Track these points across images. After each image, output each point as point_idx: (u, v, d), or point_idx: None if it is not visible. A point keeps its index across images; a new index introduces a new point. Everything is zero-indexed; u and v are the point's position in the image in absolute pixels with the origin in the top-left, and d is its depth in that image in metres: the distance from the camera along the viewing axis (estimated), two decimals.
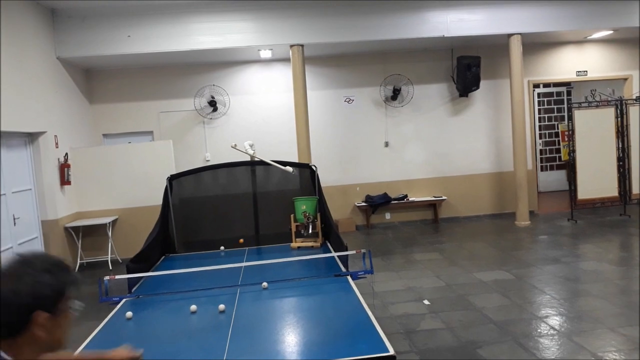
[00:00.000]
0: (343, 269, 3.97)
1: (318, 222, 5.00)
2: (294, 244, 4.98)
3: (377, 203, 10.08)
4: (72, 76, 8.86)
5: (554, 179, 12.72)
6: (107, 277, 3.75)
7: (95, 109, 9.70)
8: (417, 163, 10.30)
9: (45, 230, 7.77)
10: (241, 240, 5.13)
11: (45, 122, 7.70)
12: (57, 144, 8.02)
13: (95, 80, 9.66)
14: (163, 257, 5.04)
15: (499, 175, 10.34)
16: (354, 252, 4.02)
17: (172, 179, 5.41)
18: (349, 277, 3.73)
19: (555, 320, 4.85)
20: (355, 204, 10.18)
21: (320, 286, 3.68)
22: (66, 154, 8.18)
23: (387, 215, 10.35)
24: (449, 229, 9.60)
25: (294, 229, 5.05)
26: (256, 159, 5.44)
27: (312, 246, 4.92)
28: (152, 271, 4.43)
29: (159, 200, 5.38)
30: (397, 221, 10.35)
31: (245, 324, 2.99)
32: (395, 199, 10.12)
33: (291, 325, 2.95)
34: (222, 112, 9.76)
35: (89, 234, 8.49)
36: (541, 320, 4.87)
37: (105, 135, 9.83)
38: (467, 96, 10.03)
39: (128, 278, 3.85)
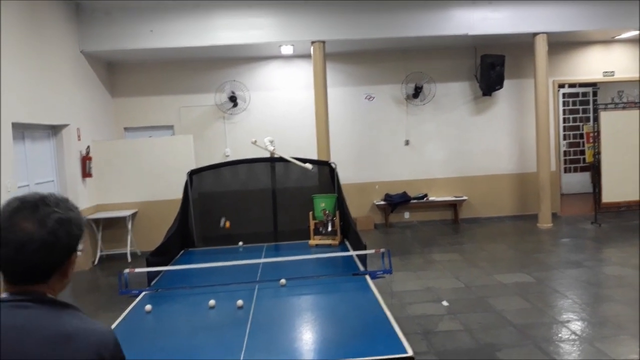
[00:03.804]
0: (361, 268, 3.94)
1: (337, 220, 4.97)
2: (312, 242, 4.96)
3: (396, 202, 10.01)
4: (95, 70, 8.96)
5: (578, 181, 12.49)
6: (126, 270, 3.77)
7: (117, 103, 9.80)
8: (438, 162, 10.20)
9: None
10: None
11: (69, 114, 7.79)
12: (79, 136, 8.11)
13: (117, 73, 9.75)
14: (182, 251, 5.06)
15: (521, 176, 10.18)
16: (372, 251, 3.99)
17: (192, 173, 5.42)
18: (367, 277, 3.69)
19: (576, 325, 4.75)
20: (374, 202, 10.12)
21: (338, 284, 3.66)
22: (88, 146, 8.28)
23: (406, 215, 10.27)
24: (469, 230, 9.49)
25: (312, 227, 5.02)
26: (276, 156, 5.43)
27: (331, 244, 4.88)
28: (172, 265, 4.44)
29: (178, 194, 5.40)
30: (416, 220, 10.26)
31: (264, 320, 2.98)
32: (414, 198, 10.04)
33: (309, 322, 2.93)
34: (243, 108, 9.78)
35: (109, 227, 8.58)
36: (562, 324, 4.78)
37: (126, 129, 9.92)
38: (490, 95, 9.90)
39: (148, 271, 3.86)
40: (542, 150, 9.03)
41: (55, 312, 1.26)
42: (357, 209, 10.00)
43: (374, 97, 10.02)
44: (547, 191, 9.07)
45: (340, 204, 5.12)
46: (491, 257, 7.39)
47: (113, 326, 3.03)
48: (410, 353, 2.39)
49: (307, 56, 9.22)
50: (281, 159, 5.37)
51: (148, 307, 3.26)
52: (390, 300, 5.71)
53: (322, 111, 8.72)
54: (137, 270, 3.85)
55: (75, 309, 1.31)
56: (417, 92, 9.82)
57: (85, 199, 8.24)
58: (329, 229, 4.88)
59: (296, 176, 5.52)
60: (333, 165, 5.44)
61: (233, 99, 9.65)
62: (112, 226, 8.59)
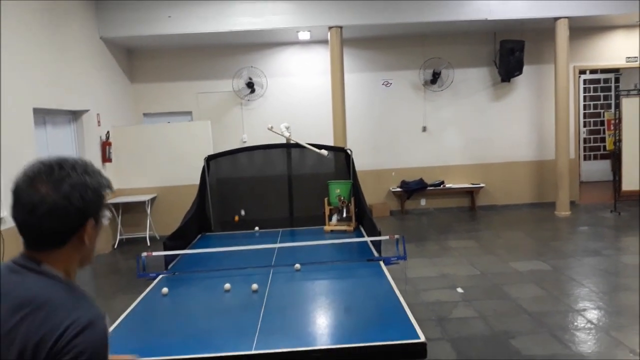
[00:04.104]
0: (376, 254, 3.96)
1: (352, 206, 4.99)
2: (327, 227, 4.99)
3: (413, 189, 9.99)
4: (114, 56, 9.04)
5: (598, 168, 12.31)
6: (144, 254, 3.85)
7: (136, 89, 9.88)
8: (455, 149, 10.13)
9: None
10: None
11: (89, 100, 7.90)
12: (99, 122, 8.22)
13: (136, 59, 9.82)
14: (200, 235, 5.13)
15: (540, 163, 10.07)
16: (387, 237, 4.00)
17: (209, 159, 5.48)
18: (381, 263, 3.71)
19: (592, 314, 4.72)
20: (390, 189, 10.11)
21: (352, 270, 3.69)
22: (108, 132, 8.39)
23: (423, 202, 10.24)
24: (486, 217, 9.44)
25: (327, 212, 5.05)
26: (292, 142, 5.45)
27: (346, 230, 4.91)
28: (189, 249, 4.51)
29: (196, 180, 5.47)
30: (433, 207, 10.23)
31: (278, 304, 3.02)
32: (431, 185, 10.00)
33: (322, 307, 2.97)
34: (260, 94, 9.80)
35: (129, 211, 8.71)
36: (578, 313, 4.76)
37: (145, 115, 10.02)
38: (509, 81, 9.77)
39: (165, 255, 3.93)
40: (561, 138, 8.91)
41: (41, 282, 1.21)
42: (373, 195, 10.01)
43: (391, 83, 9.96)
44: (566, 179, 8.97)
45: (356, 190, 5.13)
46: (507, 245, 7.35)
47: (131, 308, 3.11)
48: (422, 339, 2.41)
49: (324, 42, 9.18)
50: (297, 145, 5.39)
51: (164, 289, 3.33)
52: (404, 287, 5.73)
53: (339, 97, 8.70)
54: (155, 253, 3.93)
55: (74, 289, 1.24)
56: (435, 78, 9.74)
57: None
58: (344, 215, 4.90)
59: (312, 162, 5.54)
60: (349, 152, 5.44)
61: (250, 85, 9.67)
62: (132, 210, 8.72)
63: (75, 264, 1.31)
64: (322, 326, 2.69)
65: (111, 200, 8.40)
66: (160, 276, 3.73)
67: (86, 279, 6.54)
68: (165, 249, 3.96)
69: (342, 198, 4.89)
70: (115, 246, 8.48)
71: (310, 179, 5.52)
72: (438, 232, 8.45)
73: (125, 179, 8.80)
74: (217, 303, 3.13)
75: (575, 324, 4.53)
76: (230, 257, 4.10)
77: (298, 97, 9.88)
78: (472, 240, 7.74)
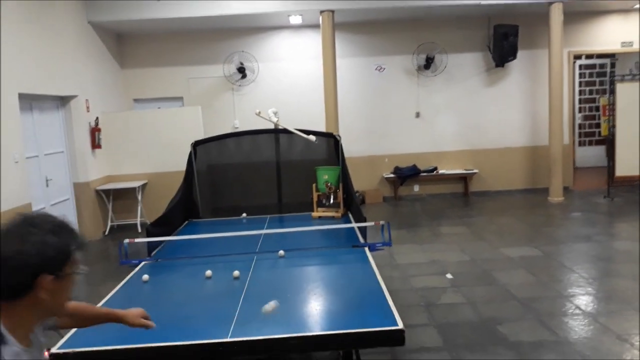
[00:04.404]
0: (362, 240, 3.92)
1: (340, 193, 4.93)
2: (315, 214, 4.94)
3: (406, 175, 9.94)
4: (103, 41, 8.90)
5: (593, 154, 12.27)
6: (127, 241, 3.80)
7: (126, 74, 9.76)
8: (449, 135, 10.06)
9: (77, 192, 7.95)
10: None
11: (77, 86, 7.79)
12: (88, 107, 8.12)
13: (126, 44, 9.69)
14: (186, 222, 5.08)
15: (533, 149, 10.01)
16: (372, 223, 3.95)
17: (196, 144, 5.41)
18: (366, 249, 3.67)
19: (581, 300, 4.70)
20: (384, 175, 10.06)
21: (337, 256, 3.65)
22: (97, 118, 8.29)
23: (416, 188, 10.20)
24: (479, 203, 9.41)
25: (315, 199, 5.00)
26: (280, 127, 5.38)
27: (333, 216, 4.86)
28: (174, 236, 4.46)
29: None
30: (426, 194, 10.19)
31: (258, 291, 2.98)
32: (424, 171, 9.95)
33: (303, 294, 2.93)
34: (251, 79, 9.69)
35: (120, 197, 8.65)
36: (567, 299, 4.73)
37: (136, 100, 9.91)
38: (503, 66, 9.67)
39: (148, 242, 3.88)
40: (555, 123, 8.84)
41: None
42: (366, 181, 9.96)
43: (384, 68, 9.86)
44: (559, 165, 8.92)
45: (345, 177, 5.07)
46: (499, 231, 7.32)
47: (110, 295, 3.07)
48: (400, 326, 2.37)
49: (316, 26, 9.06)
50: (285, 131, 5.32)
51: (145, 277, 3.29)
52: (392, 272, 5.71)
53: (331, 82, 8.61)
54: (137, 240, 3.88)
55: None
56: (428, 63, 9.63)
57: (95, 169, 8.30)
58: (332, 201, 4.85)
59: (301, 148, 5.48)
60: (338, 137, 5.37)
61: (242, 70, 9.55)
62: (123, 197, 8.65)
63: (34, 317, 1.37)
64: (301, 313, 2.65)
65: (102, 186, 8.35)
66: (143, 263, 3.69)
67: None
68: (149, 236, 3.91)
69: (329, 184, 4.83)
70: (107, 233, 8.44)
71: (299, 165, 5.46)
72: (430, 218, 8.41)
73: (116, 165, 8.73)
74: (197, 290, 3.09)
75: (564, 310, 4.50)
76: (215, 243, 4.05)
77: (290, 82, 9.78)
78: (464, 226, 7.71)
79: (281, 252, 3.66)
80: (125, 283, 3.28)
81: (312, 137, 5.13)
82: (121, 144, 8.66)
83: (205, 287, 3.14)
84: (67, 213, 7.72)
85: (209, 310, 2.74)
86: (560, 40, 8.65)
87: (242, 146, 5.53)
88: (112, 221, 8.61)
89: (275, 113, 5.43)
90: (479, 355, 3.77)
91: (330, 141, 5.44)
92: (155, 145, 8.69)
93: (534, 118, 9.95)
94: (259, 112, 5.45)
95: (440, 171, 10.01)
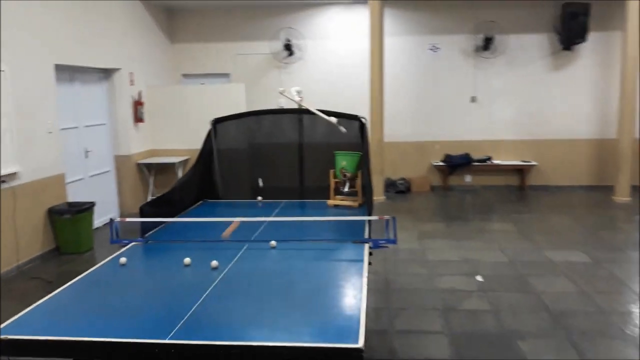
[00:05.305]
0: (366, 236, 3.55)
1: (358, 181, 4.56)
2: (331, 202, 4.61)
3: (457, 164, 9.36)
4: (152, 15, 8.89)
5: None
6: (117, 219, 3.64)
7: (176, 49, 9.74)
8: (507, 122, 9.35)
9: (118, 164, 8.03)
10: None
11: (121, 59, 7.81)
12: (132, 81, 8.14)
13: (177, 19, 9.65)
14: (200, 202, 4.91)
15: (600, 142, 9.12)
16: (376, 218, 3.57)
17: (216, 122, 5.20)
18: (366, 246, 3.31)
19: (626, 320, 4.11)
20: (433, 162, 9.52)
21: (331, 252, 3.31)
22: (139, 91, 8.30)
23: (468, 178, 9.59)
24: (534, 198, 8.70)
25: (332, 186, 4.66)
26: (303, 107, 5.06)
27: (350, 205, 4.51)
28: (181, 216, 4.30)
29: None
30: (479, 185, 9.56)
31: (228, 286, 2.72)
32: (477, 161, 9.32)
33: (272, 294, 2.63)
34: (298, 57, 9.39)
35: (161, 172, 8.68)
36: (608, 316, 4.15)
37: (185, 76, 9.89)
38: (570, 50, 8.80)
39: (141, 222, 3.71)
40: (626, 115, 7.95)
41: None
42: (413, 169, 9.49)
43: (439, 49, 9.24)
44: (628, 160, 8.04)
45: (365, 164, 4.69)
46: (549, 230, 6.68)
47: (81, 275, 2.91)
48: (359, 344, 2.03)
49: (366, 2, 8.59)
50: (307, 111, 4.99)
51: (122, 259, 3.10)
52: (418, 269, 5.30)
53: (377, 61, 8.16)
54: (128, 220, 3.72)
55: None
56: (487, 43, 8.93)
57: (138, 143, 8.35)
58: (347, 189, 4.49)
59: (325, 130, 5.12)
60: (363, 121, 4.98)
61: (288, 48, 9.27)
62: (164, 171, 8.68)
63: None
64: (259, 318, 2.35)
65: (144, 160, 8.40)
66: (132, 244, 3.53)
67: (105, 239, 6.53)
68: (142, 216, 3.73)
69: (344, 170, 4.48)
70: None
71: (323, 148, 5.12)
72: (476, 212, 7.85)
73: (158, 140, 8.76)
74: (166, 279, 2.87)
75: (601, 329, 3.94)
76: (215, 227, 3.83)
77: (337, 61, 9.39)
78: (511, 223, 7.11)
79: (273, 242, 3.38)
80: (103, 264, 3.12)
81: (333, 119, 4.77)
82: (164, 119, 8.66)
83: (176, 276, 2.91)
84: (108, 185, 7.83)
85: (164, 304, 2.51)
86: (638, 22, 7.70)
87: (264, 126, 5.27)
88: (152, 195, 8.66)
89: (298, 92, 5.11)
90: None
91: (355, 124, 5.04)
92: (197, 122, 8.57)
93: (603, 108, 9.03)
94: (283, 90, 5.15)
95: (495, 161, 9.34)
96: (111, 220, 3.67)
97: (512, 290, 4.71)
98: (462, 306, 4.39)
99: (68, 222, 6.02)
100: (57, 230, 6.07)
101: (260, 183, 4.99)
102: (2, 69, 5.39)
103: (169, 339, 2.12)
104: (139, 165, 8.37)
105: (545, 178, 9.37)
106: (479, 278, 5.02)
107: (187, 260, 3.06)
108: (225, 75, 9.76)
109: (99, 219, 6.95)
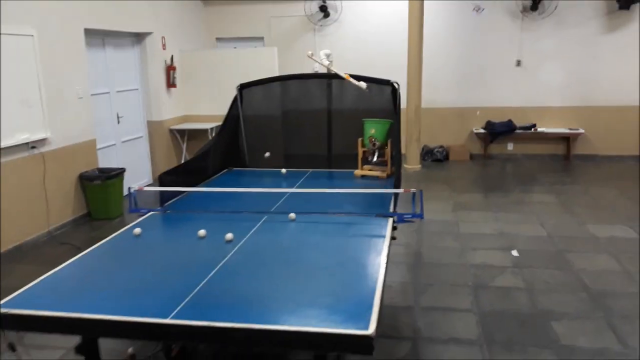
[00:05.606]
0: (392, 210, 3.37)
1: (388, 150, 4.34)
2: (358, 172, 4.42)
3: (499, 131, 8.94)
4: None
5: None
6: (135, 187, 3.58)
7: (209, 11, 9.56)
8: (554, 88, 8.81)
9: (151, 130, 8.03)
10: (267, 155, 4.67)
11: (153, 23, 7.71)
12: (164, 45, 8.05)
13: None
14: (226, 170, 4.81)
15: None
16: (401, 190, 3.37)
17: (242, 88, 5.05)
18: (389, 221, 3.13)
19: None
20: (473, 130, 9.13)
21: (353, 226, 3.14)
22: (172, 56, 8.21)
23: (510, 146, 9.17)
24: (580, 169, 8.25)
25: (360, 155, 4.46)
26: (332, 72, 4.82)
27: (379, 176, 4.31)
28: (205, 185, 4.21)
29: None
30: (521, 153, 9.14)
31: (241, 260, 2.61)
32: (520, 128, 8.88)
33: (285, 271, 2.49)
34: (334, 19, 9.06)
35: (194, 137, 8.65)
36: None
37: (218, 39, 9.73)
38: (628, 9, 8.12)
39: (160, 191, 3.63)
40: None
41: None
42: (452, 136, 9.15)
43: (483, 9, 8.72)
44: None
45: (396, 132, 4.45)
46: (594, 204, 6.30)
47: (96, 245, 2.87)
48: (370, 331, 1.88)
49: None
50: (336, 76, 4.76)
51: (137, 230, 3.04)
52: (451, 243, 5.09)
53: (416, 23, 7.77)
54: (146, 188, 3.64)
55: None
56: (535, 3, 8.35)
57: (171, 108, 8.32)
58: (375, 159, 4.29)
59: (356, 96, 4.89)
60: (396, 85, 4.71)
61: (324, 9, 8.95)
62: (197, 137, 8.64)
63: None
64: (266, 298, 2.23)
65: (177, 126, 8.37)
66: (151, 213, 3.46)
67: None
68: (161, 184, 3.65)
69: (373, 139, 4.26)
70: None
71: (353, 114, 4.90)
72: (517, 182, 7.50)
73: (192, 105, 8.70)
74: (177, 253, 2.78)
75: None
76: (236, 198, 3.72)
77: (375, 23, 9.01)
78: (553, 194, 6.75)
79: (292, 215, 3.24)
80: (117, 235, 3.06)
81: (362, 84, 4.53)
82: (197, 84, 8.57)
83: (189, 250, 2.81)
84: (140, 151, 7.85)
85: (171, 281, 2.41)
86: None
87: (291, 91, 5.08)
88: (186, 160, 8.66)
89: (328, 56, 4.87)
90: (517, 356, 3.15)
91: (387, 89, 4.79)
92: (230, 87, 8.41)
93: None
94: (311, 54, 4.92)
95: (540, 129, 8.87)
96: (129, 189, 3.61)
97: (549, 267, 4.45)
98: (494, 283, 4.18)
99: (98, 188, 6.06)
100: (88, 196, 6.13)
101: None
102: (31, 34, 5.37)
103: (170, 319, 2.03)
104: (171, 131, 8.36)
105: (592, 147, 8.86)
106: (514, 253, 4.78)
107: (201, 232, 2.97)
108: (260, 39, 9.54)
109: (131, 185, 6.99)
